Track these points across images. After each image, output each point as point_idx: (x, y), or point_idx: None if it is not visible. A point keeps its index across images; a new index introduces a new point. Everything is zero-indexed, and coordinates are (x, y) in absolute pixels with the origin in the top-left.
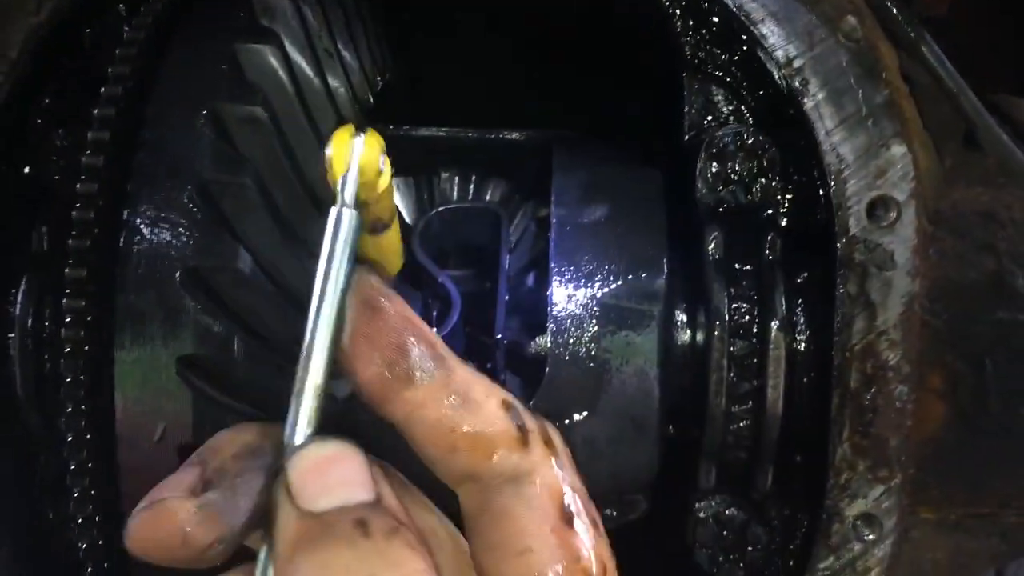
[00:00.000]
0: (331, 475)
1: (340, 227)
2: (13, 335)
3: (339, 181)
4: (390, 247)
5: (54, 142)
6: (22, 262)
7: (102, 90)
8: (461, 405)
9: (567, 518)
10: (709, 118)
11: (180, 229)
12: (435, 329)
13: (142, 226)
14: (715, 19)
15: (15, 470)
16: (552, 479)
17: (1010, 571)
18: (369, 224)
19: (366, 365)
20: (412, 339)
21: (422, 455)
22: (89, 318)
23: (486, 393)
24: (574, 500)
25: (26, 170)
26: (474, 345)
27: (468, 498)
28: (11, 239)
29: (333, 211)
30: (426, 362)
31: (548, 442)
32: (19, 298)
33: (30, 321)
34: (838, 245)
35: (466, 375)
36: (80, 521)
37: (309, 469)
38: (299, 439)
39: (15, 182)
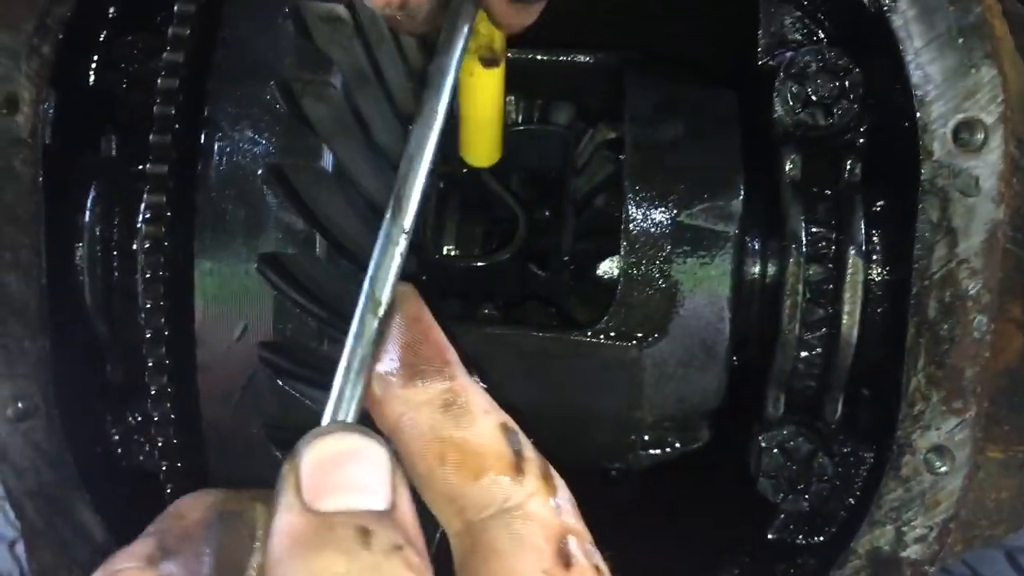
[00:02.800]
0: (346, 472)
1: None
2: (82, 243)
3: None
4: (494, 92)
5: (121, 50)
6: (90, 170)
7: None
8: (456, 414)
9: (564, 561)
10: (784, 42)
11: (262, 127)
12: (499, 255)
13: (223, 123)
14: None
15: (83, 378)
16: (548, 515)
17: None
18: (481, 48)
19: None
20: (422, 340)
21: (412, 474)
22: (169, 214)
23: (485, 409)
24: (573, 542)
25: (91, 79)
26: (537, 268)
27: (458, 539)
28: (78, 147)
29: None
30: (432, 366)
31: (546, 477)
32: (88, 205)
33: (99, 229)
34: (921, 170)
35: (468, 386)
36: (157, 419)
37: (324, 461)
38: (326, 420)
39: (82, 90)
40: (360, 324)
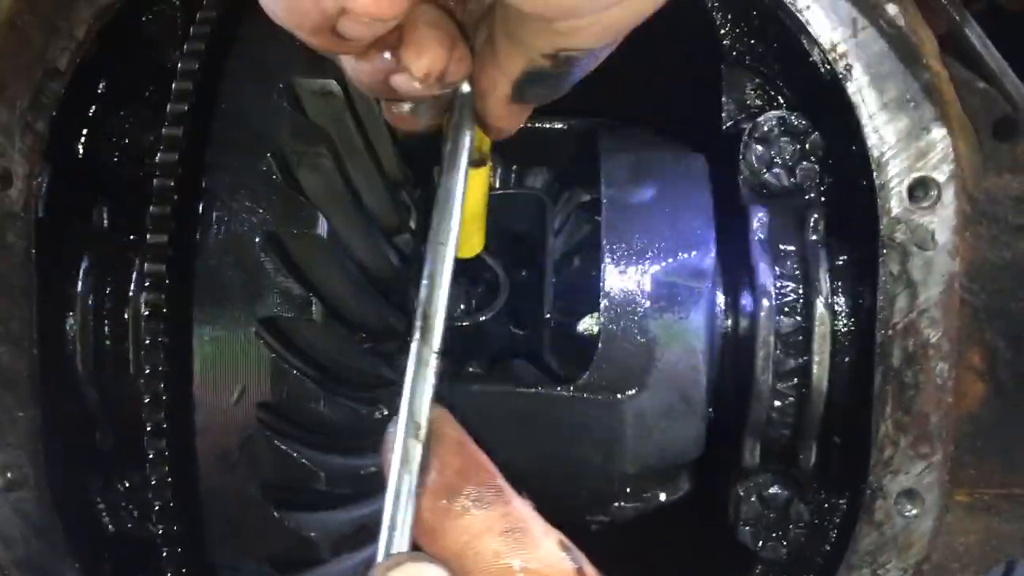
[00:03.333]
0: None
1: (460, 137)
2: (74, 313)
3: (458, 97)
4: (480, 190)
5: (112, 124)
6: (83, 241)
7: (178, 65)
8: (518, 539)
9: None
10: (746, 107)
11: (259, 196)
12: (482, 314)
13: (221, 193)
14: (755, 12)
15: (73, 446)
16: None
17: (1019, 568)
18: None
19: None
20: (471, 467)
21: None
22: (168, 282)
23: (544, 531)
24: None
25: (83, 152)
26: (518, 327)
27: None
28: (70, 219)
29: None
30: (485, 492)
31: None
32: (80, 276)
33: (91, 298)
34: (880, 225)
35: (524, 509)
36: (154, 482)
37: None
38: (394, 548)
39: (74, 164)
40: (404, 450)
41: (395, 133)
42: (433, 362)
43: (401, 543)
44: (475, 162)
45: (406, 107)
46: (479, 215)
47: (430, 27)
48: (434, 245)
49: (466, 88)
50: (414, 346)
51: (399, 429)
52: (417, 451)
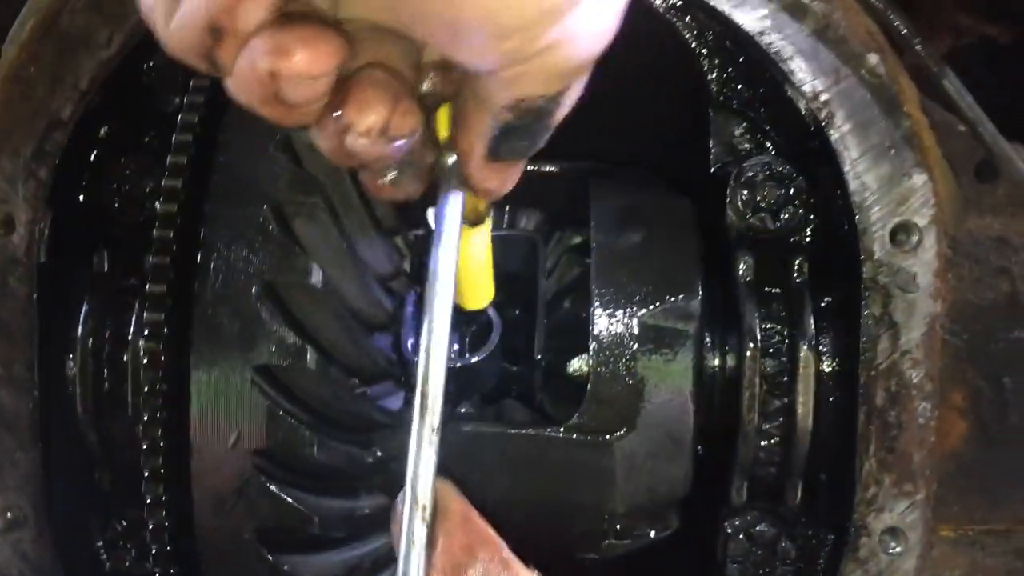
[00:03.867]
0: None
1: (448, 206)
2: (74, 356)
3: (447, 160)
4: (483, 245)
5: (113, 171)
6: (83, 285)
7: (178, 118)
8: None
9: None
10: (734, 151)
11: (256, 246)
12: (474, 355)
13: (219, 244)
14: (741, 58)
15: (72, 487)
16: None
17: None
18: (466, 212)
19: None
20: (477, 541)
21: None
22: (166, 330)
23: None
24: None
25: (85, 198)
26: (510, 366)
27: None
28: (71, 264)
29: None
30: (491, 565)
31: None
32: (81, 319)
33: (91, 341)
34: (863, 268)
35: None
36: (152, 527)
37: None
38: None
39: (75, 210)
40: (410, 530)
41: None
42: (435, 441)
43: None
44: (472, 221)
45: (387, 178)
46: (486, 267)
47: (373, 86)
48: (431, 322)
49: (452, 159)
50: (414, 426)
51: (404, 511)
52: (423, 531)
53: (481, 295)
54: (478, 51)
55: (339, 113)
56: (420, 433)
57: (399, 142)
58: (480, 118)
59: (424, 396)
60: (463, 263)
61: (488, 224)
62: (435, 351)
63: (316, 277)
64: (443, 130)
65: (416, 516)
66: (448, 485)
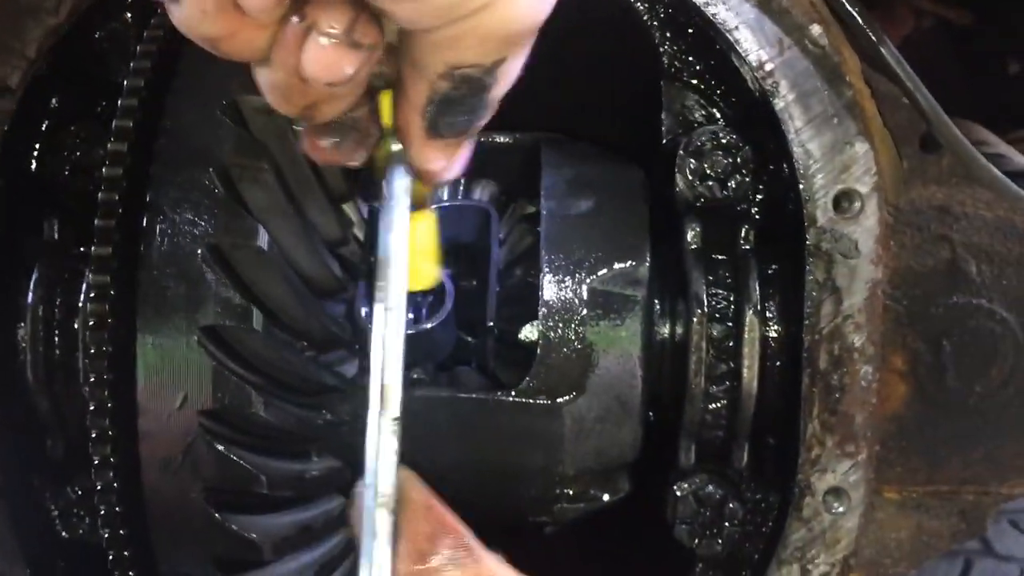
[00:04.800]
0: None
1: (397, 171)
2: (24, 323)
3: (391, 146)
4: (428, 228)
5: (63, 140)
6: (33, 253)
7: (124, 82)
8: None
9: None
10: (685, 122)
11: (201, 209)
12: (428, 322)
13: (164, 207)
14: (691, 30)
15: (21, 455)
16: None
17: (977, 569)
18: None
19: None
20: (440, 529)
21: None
22: (112, 292)
23: None
24: None
25: (35, 166)
26: (464, 335)
27: None
28: (21, 231)
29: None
30: (455, 552)
31: None
32: (31, 287)
33: (41, 309)
34: (807, 235)
35: (494, 565)
36: (100, 487)
37: None
38: None
39: (26, 178)
40: (372, 522)
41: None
42: (394, 429)
43: None
44: (415, 206)
45: (328, 140)
46: (432, 250)
47: None
48: (382, 310)
49: (396, 147)
50: (373, 417)
51: (367, 501)
52: (387, 521)
53: (425, 277)
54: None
55: (299, 18)
56: (380, 424)
57: (358, 58)
58: (417, 89)
59: (383, 388)
60: (411, 246)
61: (432, 208)
62: (391, 341)
63: (262, 239)
64: (386, 117)
65: (379, 506)
66: (410, 474)
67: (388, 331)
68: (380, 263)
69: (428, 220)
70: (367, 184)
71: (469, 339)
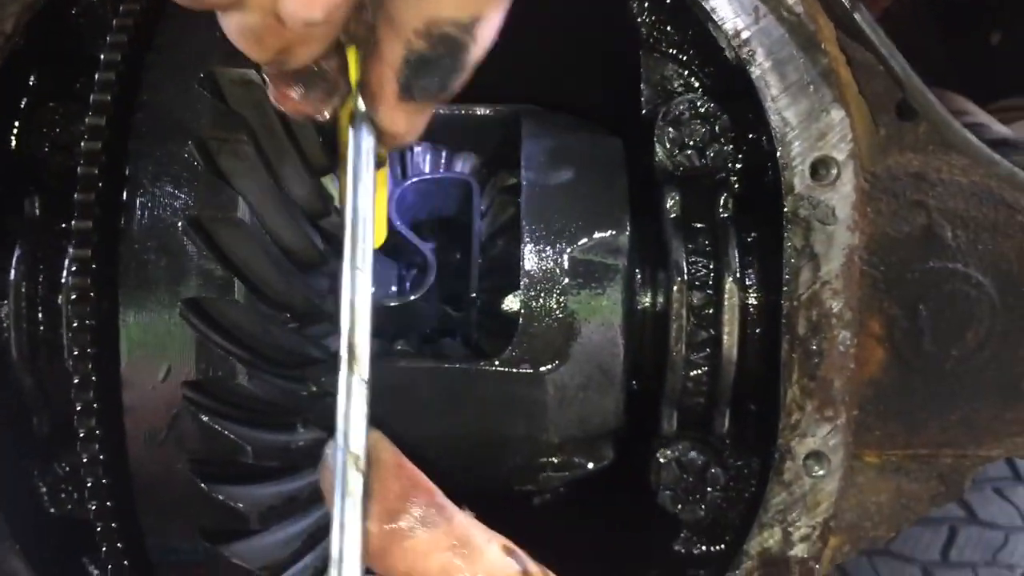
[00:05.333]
0: None
1: (361, 132)
2: (7, 300)
3: (356, 105)
4: (380, 191)
5: (43, 116)
6: (15, 231)
7: (101, 56)
8: (464, 552)
9: None
10: (664, 92)
11: (181, 182)
12: (411, 294)
13: (144, 180)
14: (668, 0)
15: (10, 432)
16: None
17: (961, 536)
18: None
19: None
20: (411, 488)
21: None
22: (94, 266)
23: (487, 539)
24: None
25: (14, 144)
26: (447, 307)
27: None
28: (2, 209)
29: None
30: (426, 511)
31: None
32: (13, 264)
33: (24, 286)
34: (784, 202)
35: (465, 522)
36: (86, 460)
37: None
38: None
39: (5, 155)
40: (343, 481)
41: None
42: (364, 391)
43: (352, 570)
44: (376, 165)
45: (295, 90)
46: (383, 209)
47: None
48: (351, 271)
49: (362, 106)
50: (342, 377)
51: (337, 461)
52: (358, 480)
53: (379, 236)
54: None
55: None
56: (348, 384)
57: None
58: (392, 48)
59: (351, 347)
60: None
61: (385, 170)
62: (359, 301)
63: (242, 211)
64: (353, 73)
65: (350, 466)
66: (379, 434)
67: (357, 292)
68: (346, 223)
69: (381, 179)
70: (327, 143)
71: (452, 312)
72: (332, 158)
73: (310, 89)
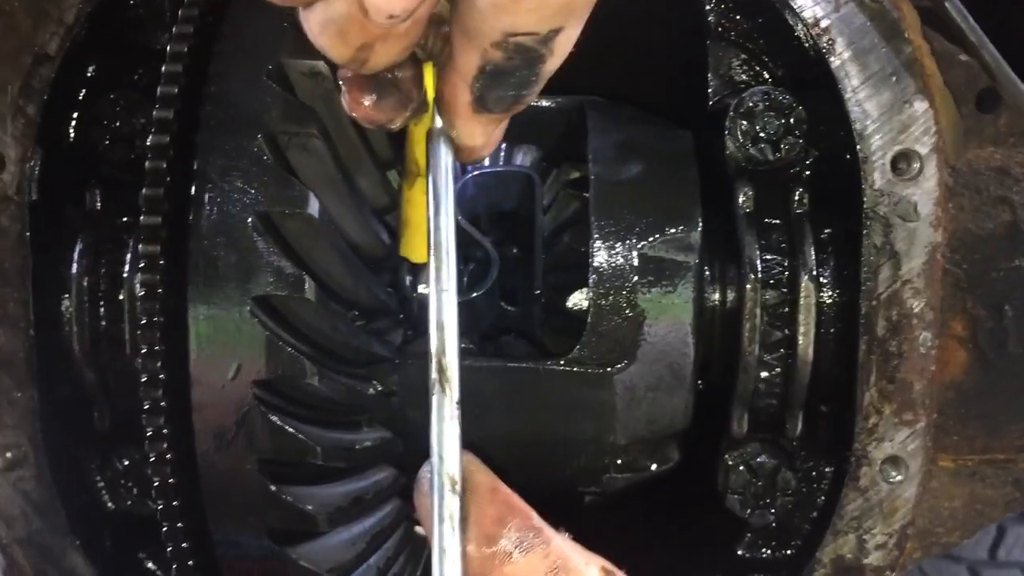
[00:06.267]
0: None
1: (439, 148)
2: (69, 295)
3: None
4: None
5: (103, 108)
6: (75, 224)
7: (167, 48)
8: (563, 575)
9: None
10: (732, 83)
11: (250, 177)
12: (472, 291)
13: (213, 175)
14: None
15: (71, 426)
16: None
17: (1010, 535)
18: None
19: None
20: (507, 511)
21: None
22: (162, 262)
23: (585, 561)
24: None
25: (74, 136)
26: (509, 304)
27: None
28: (63, 202)
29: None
30: (523, 534)
31: None
32: (75, 258)
33: (86, 280)
34: (864, 198)
35: (563, 544)
36: (153, 459)
37: None
38: None
39: (66, 147)
40: (441, 506)
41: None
42: (456, 415)
43: None
44: (422, 173)
45: (369, 99)
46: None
47: None
48: (437, 292)
49: (438, 123)
50: (435, 400)
51: (434, 486)
52: (455, 504)
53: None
54: None
55: None
56: (441, 408)
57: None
58: (468, 58)
59: (442, 371)
60: (421, 216)
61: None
62: (447, 324)
63: (312, 207)
64: (430, 89)
65: (446, 490)
66: (473, 458)
67: (444, 313)
68: (430, 246)
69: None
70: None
71: (508, 308)
72: (398, 153)
73: (383, 97)
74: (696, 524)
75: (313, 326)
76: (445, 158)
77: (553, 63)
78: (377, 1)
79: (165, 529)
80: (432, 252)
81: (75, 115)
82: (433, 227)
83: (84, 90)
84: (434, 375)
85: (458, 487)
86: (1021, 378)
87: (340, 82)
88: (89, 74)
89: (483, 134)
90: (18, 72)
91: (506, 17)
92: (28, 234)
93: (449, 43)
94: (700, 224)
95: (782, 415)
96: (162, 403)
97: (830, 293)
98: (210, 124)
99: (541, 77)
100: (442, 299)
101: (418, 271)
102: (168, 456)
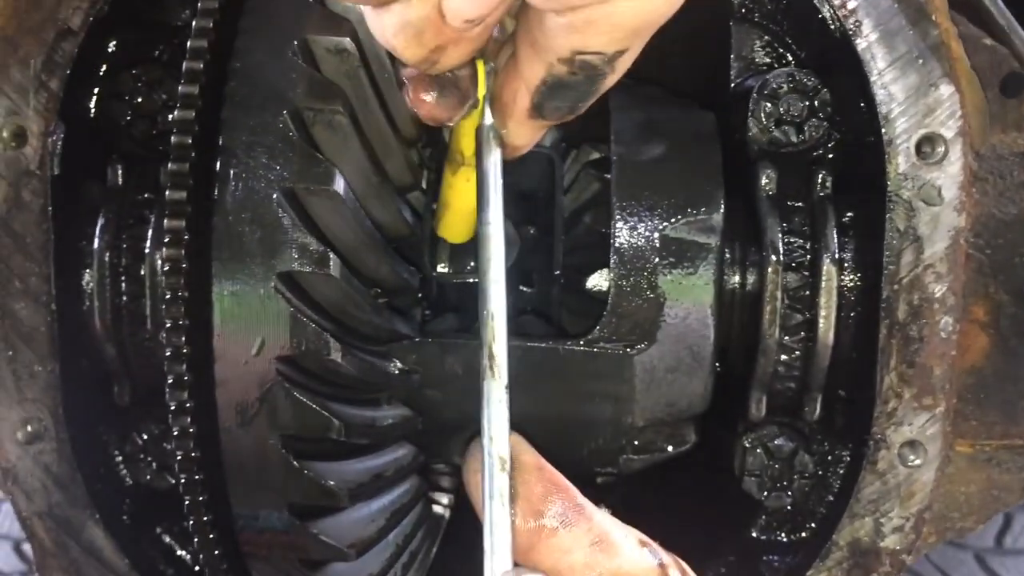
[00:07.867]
0: None
1: (490, 145)
2: (90, 270)
3: (484, 102)
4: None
5: (124, 83)
6: (97, 199)
7: (192, 23)
8: (604, 548)
9: None
10: (754, 65)
11: (275, 153)
12: None
13: (238, 150)
14: None
15: (91, 400)
16: None
17: (1017, 523)
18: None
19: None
20: (552, 489)
21: None
22: (187, 237)
23: (624, 534)
24: None
25: (96, 111)
26: (529, 284)
27: None
28: (85, 177)
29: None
30: (567, 510)
31: (684, 572)
32: (96, 233)
33: (107, 255)
34: (887, 181)
35: (603, 519)
36: (176, 433)
37: None
38: (497, 567)
39: (88, 122)
40: (491, 483)
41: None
42: (505, 397)
43: (503, 564)
44: (466, 163)
45: (430, 95)
46: (474, 209)
47: None
48: (487, 283)
49: (489, 120)
50: (485, 385)
51: (484, 466)
52: (504, 481)
53: (466, 231)
54: None
55: None
56: (491, 392)
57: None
58: (533, 69)
59: (492, 358)
60: (457, 203)
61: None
62: (496, 314)
63: (338, 184)
64: (481, 86)
65: (496, 469)
66: (519, 438)
67: (493, 303)
68: (480, 239)
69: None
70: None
71: (524, 288)
72: (421, 130)
73: (444, 96)
74: (711, 504)
75: (337, 303)
76: (494, 154)
77: (612, 79)
78: (456, 6)
79: (187, 502)
80: (480, 245)
81: (97, 90)
82: (481, 221)
83: (106, 65)
84: (485, 361)
85: (507, 466)
86: None
87: (404, 80)
88: (111, 49)
89: (531, 137)
90: (42, 46)
91: (577, 37)
92: (50, 209)
93: (513, 50)
94: (722, 206)
95: (800, 398)
96: (186, 377)
97: (851, 277)
98: (235, 100)
99: (598, 92)
100: (492, 290)
101: (436, 252)
102: (191, 430)
